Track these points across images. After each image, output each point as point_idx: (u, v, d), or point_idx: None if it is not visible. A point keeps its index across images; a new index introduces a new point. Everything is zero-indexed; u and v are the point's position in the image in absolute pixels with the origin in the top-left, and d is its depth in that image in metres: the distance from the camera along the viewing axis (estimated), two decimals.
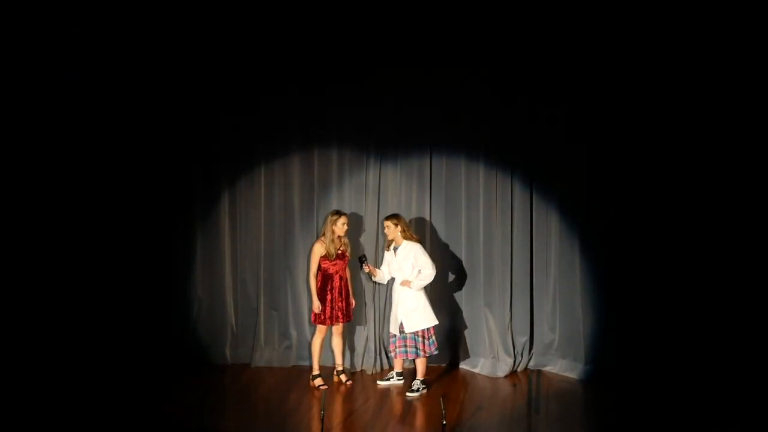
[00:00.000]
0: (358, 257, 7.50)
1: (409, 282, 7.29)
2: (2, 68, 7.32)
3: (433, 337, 7.35)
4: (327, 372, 7.66)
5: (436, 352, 7.43)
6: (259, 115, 7.91)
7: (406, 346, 7.32)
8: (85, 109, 7.70)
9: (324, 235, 7.40)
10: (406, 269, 7.32)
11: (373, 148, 7.90)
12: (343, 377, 7.56)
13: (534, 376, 7.76)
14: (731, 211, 7.14)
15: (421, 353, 7.31)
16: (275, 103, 7.88)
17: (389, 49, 7.71)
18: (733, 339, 7.08)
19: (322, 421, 6.10)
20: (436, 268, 7.61)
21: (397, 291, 7.37)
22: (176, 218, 7.97)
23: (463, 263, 7.90)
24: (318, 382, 7.42)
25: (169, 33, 7.70)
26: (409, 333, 7.28)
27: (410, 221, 7.88)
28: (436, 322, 7.37)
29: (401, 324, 7.30)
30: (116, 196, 7.83)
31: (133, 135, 7.82)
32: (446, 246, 7.95)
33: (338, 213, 7.43)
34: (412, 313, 7.28)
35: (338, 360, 7.62)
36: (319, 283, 7.43)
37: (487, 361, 7.82)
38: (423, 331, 7.30)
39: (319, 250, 7.39)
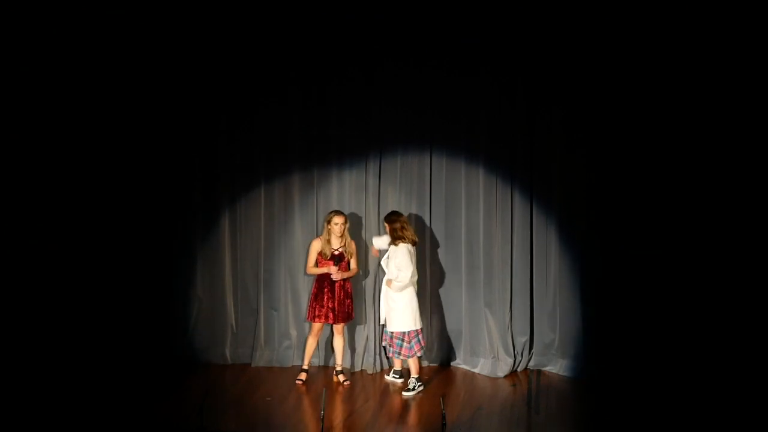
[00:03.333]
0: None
1: (390, 282, 7.32)
2: (3, 68, 7.31)
3: (419, 337, 7.39)
4: (329, 372, 7.70)
5: (420, 354, 7.45)
6: (260, 115, 7.90)
7: (390, 344, 7.44)
8: (91, 112, 7.67)
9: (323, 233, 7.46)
10: (391, 268, 7.34)
11: (373, 148, 7.89)
12: (341, 377, 7.55)
13: (534, 376, 7.76)
14: (731, 209, 7.15)
15: (400, 356, 7.39)
16: (275, 103, 7.86)
17: (390, 50, 7.70)
18: (730, 338, 7.09)
19: (322, 421, 6.08)
20: (438, 268, 7.65)
21: (383, 288, 7.44)
22: (176, 217, 7.95)
23: (463, 263, 7.88)
24: (301, 376, 7.50)
25: (174, 38, 7.69)
26: (391, 332, 7.39)
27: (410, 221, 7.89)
28: (413, 328, 7.33)
29: (385, 321, 7.45)
30: (117, 196, 7.81)
31: (134, 134, 7.80)
32: (446, 246, 7.93)
33: (334, 212, 7.46)
34: (392, 313, 7.35)
35: (338, 360, 7.61)
36: (315, 281, 7.47)
37: (487, 361, 7.81)
38: (402, 333, 7.34)
39: (315, 246, 7.45)
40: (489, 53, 7.64)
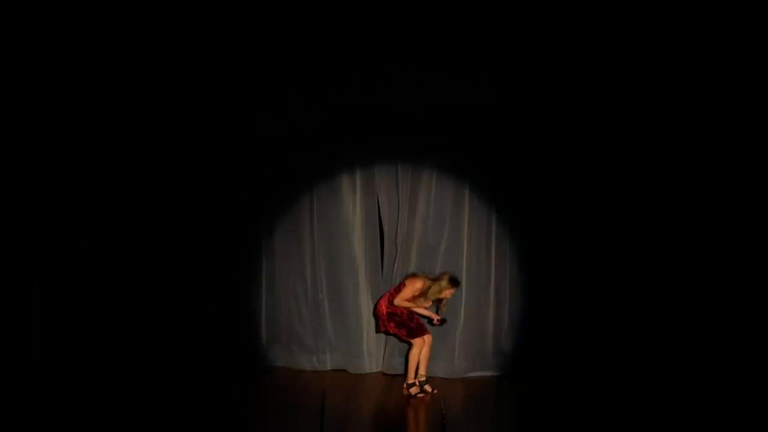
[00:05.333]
0: (443, 319, 7.37)
1: None
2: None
3: None
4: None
5: None
6: (259, 115, 7.87)
7: None
8: (92, 114, 7.63)
9: (431, 283, 7.25)
10: None
11: (374, 148, 7.94)
12: (428, 387, 7.37)
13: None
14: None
15: None
16: (275, 104, 7.84)
17: (390, 50, 7.69)
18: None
19: (322, 421, 6.03)
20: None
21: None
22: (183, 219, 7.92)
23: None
24: (414, 390, 7.29)
25: (173, 39, 7.66)
26: None
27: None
28: None
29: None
30: (118, 198, 7.74)
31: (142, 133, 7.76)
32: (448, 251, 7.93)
33: (454, 281, 7.31)
34: None
35: (422, 371, 7.42)
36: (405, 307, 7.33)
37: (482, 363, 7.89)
38: None
39: (417, 286, 7.22)
40: (489, 53, 7.64)
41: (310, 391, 7.16)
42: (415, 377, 7.32)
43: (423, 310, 7.32)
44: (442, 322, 7.31)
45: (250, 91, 7.83)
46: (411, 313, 7.30)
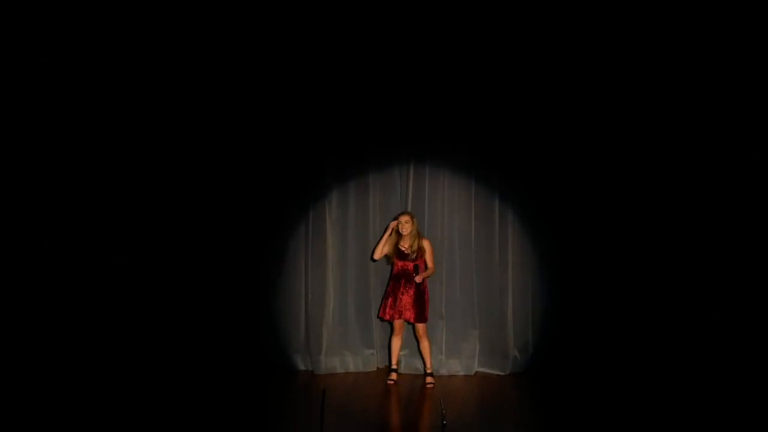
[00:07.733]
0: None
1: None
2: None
3: None
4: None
5: None
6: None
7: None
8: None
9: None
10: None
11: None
12: (428, 379, 7.54)
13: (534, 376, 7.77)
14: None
15: None
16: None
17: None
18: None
19: (322, 420, 6.05)
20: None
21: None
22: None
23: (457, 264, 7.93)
24: (392, 376, 7.54)
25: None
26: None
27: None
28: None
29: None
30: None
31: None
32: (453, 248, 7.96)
33: (401, 213, 7.54)
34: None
35: (427, 363, 7.58)
36: (390, 279, 7.53)
37: (489, 361, 7.88)
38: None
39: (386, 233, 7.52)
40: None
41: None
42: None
43: (426, 265, 7.45)
44: (416, 270, 7.38)
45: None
46: (421, 294, 7.41)
